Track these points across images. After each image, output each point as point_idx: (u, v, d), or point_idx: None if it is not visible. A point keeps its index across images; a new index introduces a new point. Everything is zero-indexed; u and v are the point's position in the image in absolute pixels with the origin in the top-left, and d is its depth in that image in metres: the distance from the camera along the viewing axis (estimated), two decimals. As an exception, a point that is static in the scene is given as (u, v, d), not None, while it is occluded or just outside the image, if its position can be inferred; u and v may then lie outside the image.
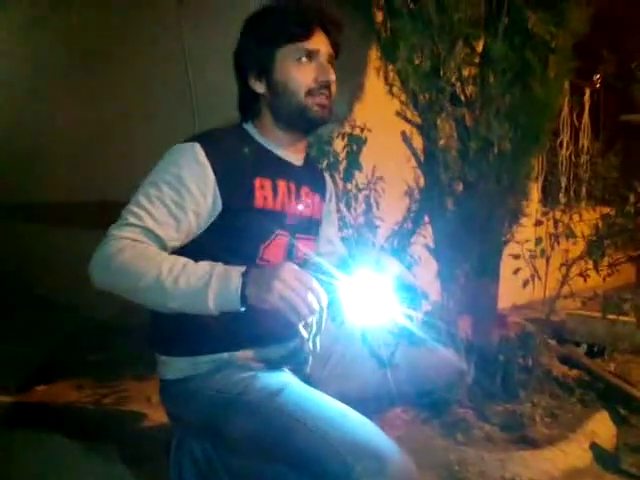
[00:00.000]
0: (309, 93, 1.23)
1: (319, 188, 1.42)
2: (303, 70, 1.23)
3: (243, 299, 1.02)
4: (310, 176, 1.39)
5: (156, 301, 1.07)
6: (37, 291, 4.05)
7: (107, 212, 3.59)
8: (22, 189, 4.43)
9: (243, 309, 1.04)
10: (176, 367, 1.25)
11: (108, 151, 3.60)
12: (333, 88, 1.26)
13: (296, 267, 1.03)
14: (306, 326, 1.09)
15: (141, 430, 1.99)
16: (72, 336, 3.20)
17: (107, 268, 1.07)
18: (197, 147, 1.17)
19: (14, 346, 2.93)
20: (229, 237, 1.17)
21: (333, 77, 1.25)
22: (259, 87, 1.26)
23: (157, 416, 1.95)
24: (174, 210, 1.14)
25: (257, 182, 1.22)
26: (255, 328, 1.24)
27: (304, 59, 1.23)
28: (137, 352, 1.79)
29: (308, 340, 1.11)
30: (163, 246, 1.13)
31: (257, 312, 1.09)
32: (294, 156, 1.33)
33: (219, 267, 1.05)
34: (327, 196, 1.47)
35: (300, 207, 1.32)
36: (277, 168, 1.28)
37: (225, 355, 1.24)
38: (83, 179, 3.81)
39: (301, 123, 1.28)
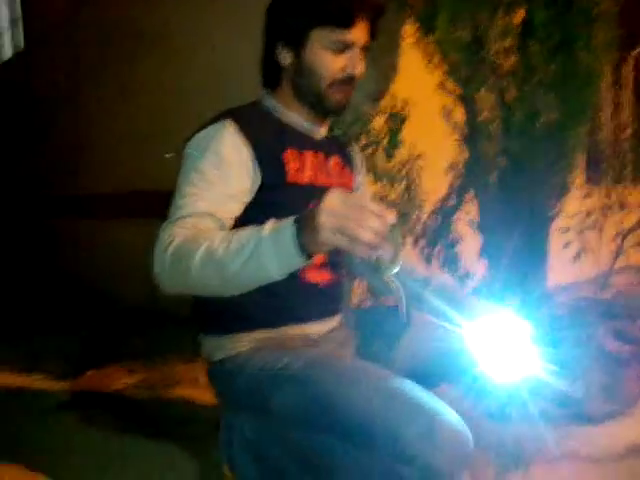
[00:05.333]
0: (333, 83, 1.20)
1: (347, 161, 1.39)
2: (334, 59, 1.18)
3: (302, 249, 0.88)
4: (336, 148, 1.36)
5: (213, 278, 0.96)
6: (85, 280, 4.12)
7: (149, 202, 3.65)
8: (66, 182, 4.51)
9: (308, 262, 0.91)
10: (217, 346, 1.24)
11: (146, 142, 3.64)
12: (357, 81, 1.22)
13: (342, 191, 0.87)
14: (380, 259, 0.91)
15: (190, 411, 1.99)
16: (120, 323, 3.25)
17: (163, 262, 0.99)
18: (229, 123, 1.14)
19: (66, 334, 3.00)
20: (265, 215, 1.07)
21: (360, 72, 1.20)
22: (284, 58, 1.22)
23: (206, 397, 1.96)
24: (223, 188, 1.10)
25: (286, 156, 1.20)
26: (296, 304, 1.22)
27: (339, 48, 1.17)
28: (184, 335, 1.80)
29: (386, 271, 0.92)
30: (222, 225, 1.09)
31: (298, 288, 1.06)
32: (316, 129, 1.30)
33: (270, 222, 0.94)
34: (358, 168, 1.44)
35: (330, 177, 1.29)
36: (303, 140, 1.25)
37: (265, 332, 1.23)
38: (124, 171, 3.86)
39: (317, 107, 1.24)
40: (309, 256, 0.89)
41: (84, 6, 3.97)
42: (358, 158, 1.46)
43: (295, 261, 0.90)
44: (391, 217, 0.84)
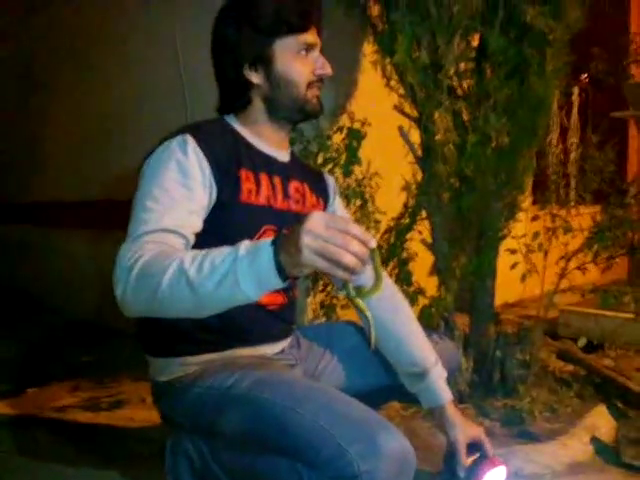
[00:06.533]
0: (309, 86, 1.22)
1: (317, 188, 1.39)
2: (304, 63, 1.21)
3: (280, 270, 0.85)
4: (303, 174, 1.36)
5: (184, 299, 0.91)
6: (29, 291, 3.98)
7: (101, 211, 3.54)
8: (11, 189, 4.36)
9: (285, 283, 0.88)
10: (165, 368, 1.22)
11: (102, 149, 3.55)
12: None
13: (325, 213, 0.86)
14: (360, 284, 0.92)
15: (136, 431, 1.94)
16: (64, 338, 3.15)
17: (128, 280, 0.93)
18: (189, 137, 1.13)
19: (5, 349, 2.88)
20: (217, 234, 1.09)
21: (330, 70, 1.23)
22: (255, 77, 1.22)
23: (152, 417, 1.92)
24: (187, 204, 1.08)
25: (242, 174, 1.19)
26: (247, 327, 1.21)
27: (303, 52, 1.21)
28: (131, 353, 1.77)
29: (364, 297, 0.93)
30: (187, 242, 1.06)
31: (250, 311, 1.03)
32: (278, 151, 1.30)
33: (246, 243, 0.90)
34: (330, 196, 1.43)
35: (287, 202, 1.28)
36: (259, 161, 1.24)
37: (214, 355, 1.21)
38: (76, 178, 3.75)
39: (299, 115, 1.26)
40: (286, 277, 0.86)
41: (38, 10, 3.85)
42: (331, 186, 1.44)
43: (273, 282, 0.87)
44: (372, 242, 0.83)
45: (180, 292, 0.90)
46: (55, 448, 1.85)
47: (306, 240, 0.81)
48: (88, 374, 2.55)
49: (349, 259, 0.81)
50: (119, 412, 2.15)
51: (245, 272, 0.86)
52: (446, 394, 1.33)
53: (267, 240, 0.88)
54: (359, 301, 0.95)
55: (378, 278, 0.90)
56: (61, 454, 1.82)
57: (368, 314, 0.99)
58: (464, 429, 1.31)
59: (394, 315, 1.34)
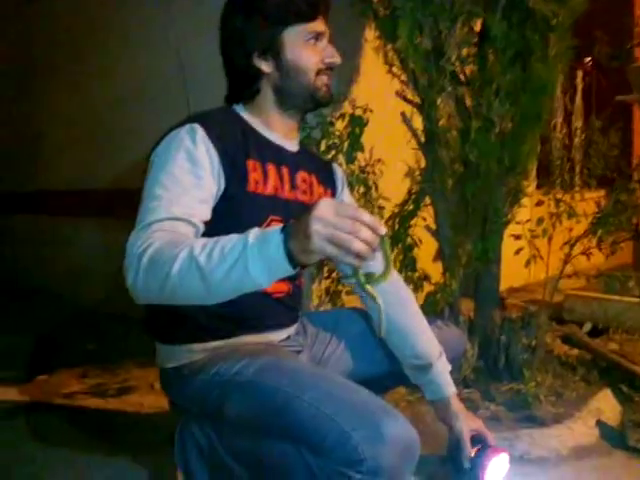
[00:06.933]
0: (318, 74, 1.22)
1: (325, 179, 1.39)
2: (314, 50, 1.22)
3: (290, 257, 0.85)
4: (310, 164, 1.36)
5: (194, 287, 0.92)
6: (36, 281, 4.01)
7: (106, 200, 3.55)
8: (15, 178, 4.38)
9: (295, 270, 0.88)
10: (173, 355, 1.23)
11: (101, 139, 3.56)
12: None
13: (334, 201, 0.87)
14: (369, 271, 0.93)
15: (145, 417, 1.97)
16: (71, 325, 3.18)
17: (138, 268, 0.94)
18: (197, 126, 1.13)
19: (14, 337, 2.91)
20: (223, 223, 1.09)
21: (339, 59, 1.24)
22: (265, 66, 1.23)
23: (161, 403, 1.94)
24: (196, 193, 1.08)
25: (249, 164, 1.19)
26: (253, 315, 1.22)
27: (312, 41, 1.21)
28: (138, 340, 1.79)
29: (374, 283, 0.93)
30: (196, 231, 1.07)
31: (256, 299, 1.04)
32: (286, 141, 1.30)
33: (255, 230, 0.91)
34: (339, 187, 1.43)
35: (295, 192, 1.28)
36: (267, 151, 1.25)
37: (221, 342, 1.22)
38: (81, 166, 3.76)
39: (308, 103, 1.26)
40: (296, 265, 0.87)
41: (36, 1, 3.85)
42: (339, 177, 1.44)
43: (283, 269, 0.87)
44: (382, 229, 0.84)
45: (190, 279, 0.91)
46: (65, 434, 1.88)
47: (316, 227, 0.81)
48: (96, 361, 2.58)
49: (359, 246, 0.81)
50: (128, 398, 2.18)
51: (255, 259, 0.87)
52: (450, 387, 1.34)
53: (277, 227, 0.88)
54: (369, 288, 0.95)
55: (387, 264, 0.91)
56: (71, 440, 1.84)
57: (379, 301, 0.99)
58: (467, 421, 1.33)
59: (399, 308, 1.34)
